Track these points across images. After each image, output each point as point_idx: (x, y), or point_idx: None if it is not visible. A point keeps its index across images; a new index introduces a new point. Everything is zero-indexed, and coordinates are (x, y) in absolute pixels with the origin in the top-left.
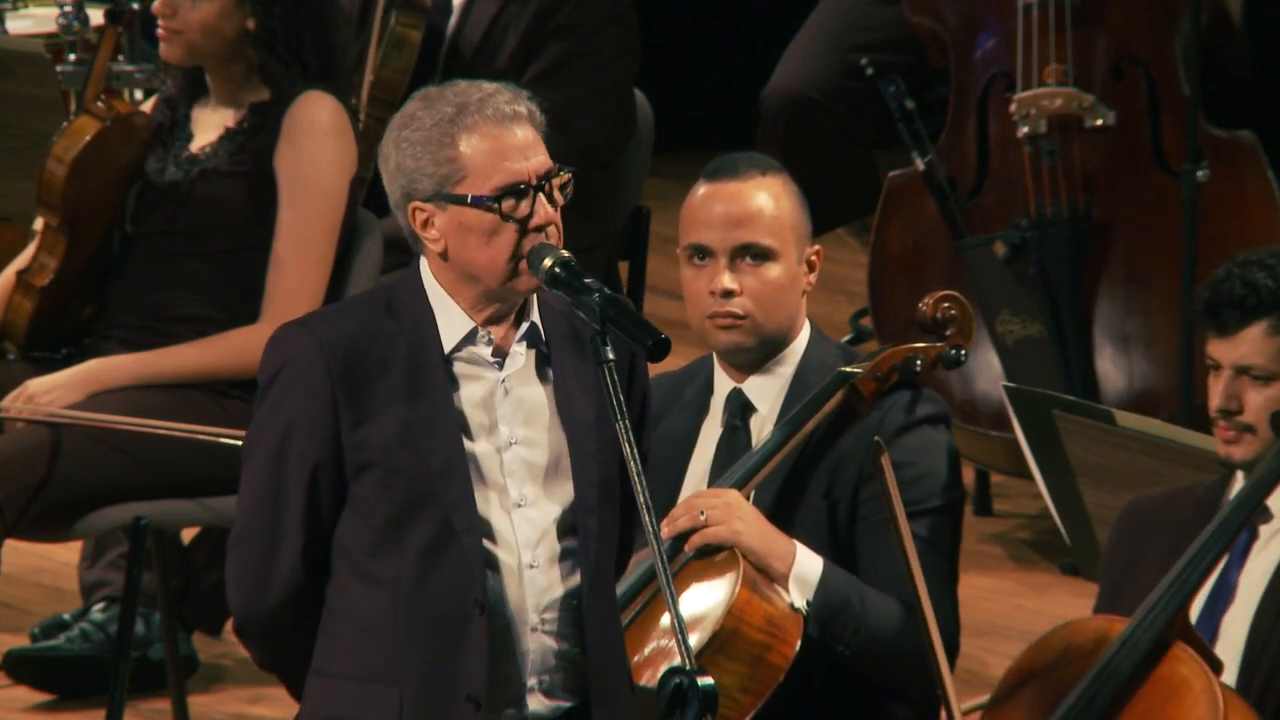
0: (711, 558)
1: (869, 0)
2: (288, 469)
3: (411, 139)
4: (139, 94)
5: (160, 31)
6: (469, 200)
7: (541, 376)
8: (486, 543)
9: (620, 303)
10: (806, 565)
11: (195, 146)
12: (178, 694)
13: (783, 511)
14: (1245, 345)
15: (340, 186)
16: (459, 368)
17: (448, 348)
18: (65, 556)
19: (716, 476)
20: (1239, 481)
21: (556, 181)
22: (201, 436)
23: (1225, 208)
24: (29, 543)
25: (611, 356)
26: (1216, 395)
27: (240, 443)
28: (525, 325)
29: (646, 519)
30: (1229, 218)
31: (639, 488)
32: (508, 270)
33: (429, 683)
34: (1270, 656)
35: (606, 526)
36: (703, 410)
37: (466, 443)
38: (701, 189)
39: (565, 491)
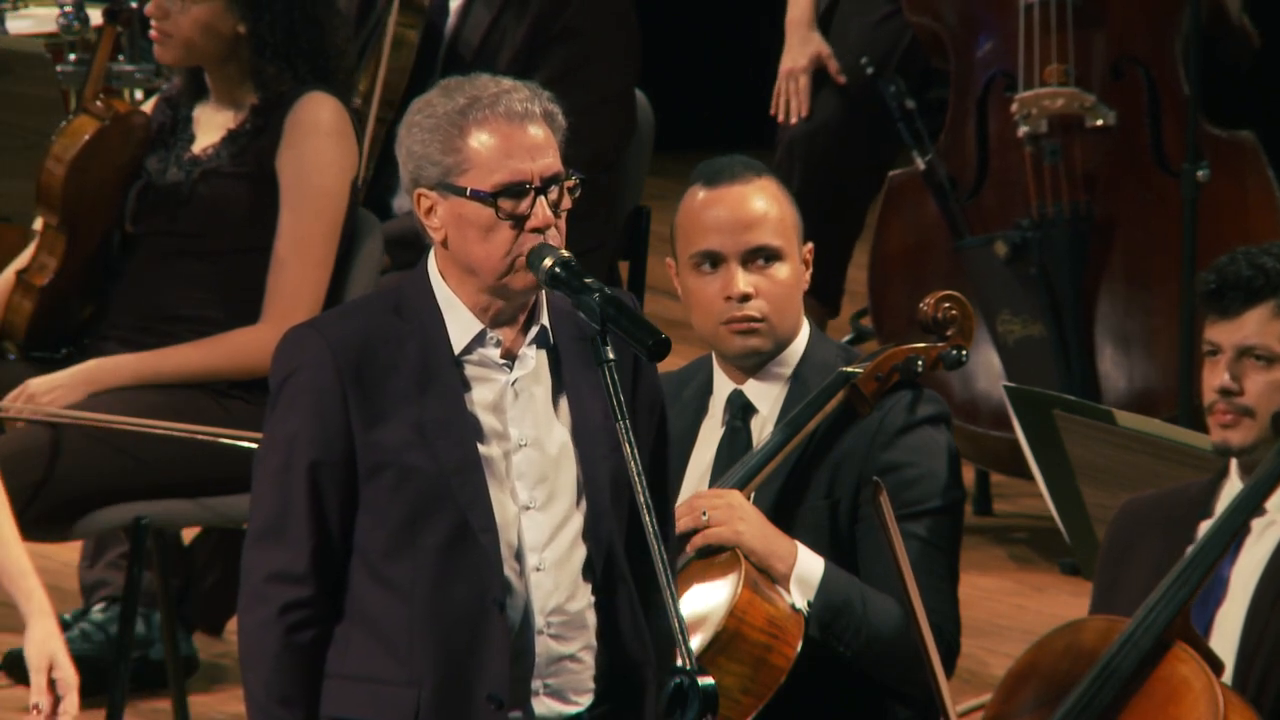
0: (713, 558)
1: (872, 24)
2: (301, 473)
3: (423, 125)
4: (139, 94)
5: (153, 33)
6: (468, 193)
7: (552, 379)
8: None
9: (620, 303)
10: (808, 566)
11: (197, 148)
12: (178, 694)
13: (784, 512)
14: (1249, 326)
15: (341, 187)
16: (469, 370)
17: (457, 349)
18: (65, 556)
19: (717, 477)
20: (1232, 480)
21: (566, 185)
22: (201, 436)
23: (1225, 208)
24: (29, 542)
25: (611, 356)
26: (1216, 378)
27: (240, 443)
28: (535, 328)
29: (647, 519)
30: (1229, 218)
31: (639, 488)
32: (503, 267)
33: (447, 683)
34: (1266, 650)
35: (620, 530)
36: (702, 411)
37: (478, 444)
38: (700, 195)
39: (574, 494)
